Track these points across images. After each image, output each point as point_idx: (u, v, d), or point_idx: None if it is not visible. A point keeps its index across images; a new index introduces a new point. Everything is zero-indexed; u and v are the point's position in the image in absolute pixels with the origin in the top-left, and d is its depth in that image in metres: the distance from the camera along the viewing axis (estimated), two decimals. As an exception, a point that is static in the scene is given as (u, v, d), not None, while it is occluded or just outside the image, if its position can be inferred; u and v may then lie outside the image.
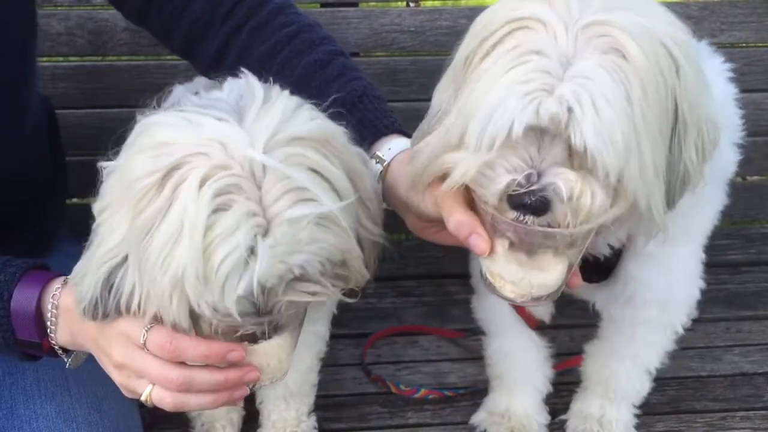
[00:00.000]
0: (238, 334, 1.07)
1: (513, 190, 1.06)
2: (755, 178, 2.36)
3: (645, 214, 1.08)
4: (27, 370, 1.41)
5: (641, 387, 1.65)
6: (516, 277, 1.13)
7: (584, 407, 1.71)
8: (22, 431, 1.36)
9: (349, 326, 1.99)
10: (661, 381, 1.69)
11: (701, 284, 1.49)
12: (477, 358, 1.83)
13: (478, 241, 1.12)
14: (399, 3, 2.20)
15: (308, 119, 1.08)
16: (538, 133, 1.05)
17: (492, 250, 1.12)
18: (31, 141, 1.51)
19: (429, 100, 2.07)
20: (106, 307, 1.07)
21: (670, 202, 1.12)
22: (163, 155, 1.01)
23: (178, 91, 1.50)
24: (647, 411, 1.73)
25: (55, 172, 1.62)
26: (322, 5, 2.08)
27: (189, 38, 1.47)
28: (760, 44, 2.23)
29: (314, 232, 1.01)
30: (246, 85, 1.11)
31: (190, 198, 0.98)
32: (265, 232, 0.99)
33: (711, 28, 2.14)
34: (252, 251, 0.98)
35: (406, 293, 2.17)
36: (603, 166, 1.02)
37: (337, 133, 1.12)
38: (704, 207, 1.38)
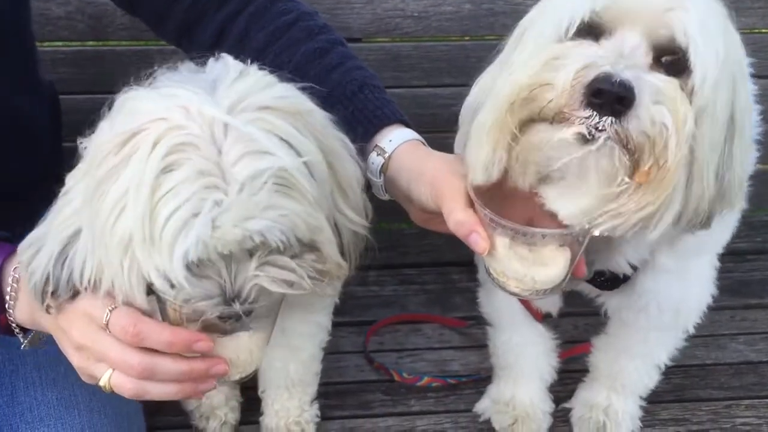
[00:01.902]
0: (202, 319, 1.02)
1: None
2: (760, 166, 2.34)
3: (695, 179, 0.98)
4: (27, 357, 1.39)
5: (650, 381, 1.64)
6: (518, 274, 1.11)
7: (590, 396, 1.70)
8: (24, 418, 1.35)
9: (351, 314, 1.98)
10: (665, 369, 1.67)
11: (714, 290, 1.47)
12: (480, 346, 1.83)
13: (478, 240, 1.10)
14: (402, -12, 2.17)
15: (282, 91, 1.05)
16: (619, 40, 0.98)
17: (493, 248, 1.10)
18: (32, 128, 1.49)
19: (432, 86, 2.09)
20: (57, 283, 1.03)
21: (708, 219, 1.05)
22: (125, 122, 0.99)
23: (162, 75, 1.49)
24: (652, 399, 1.72)
25: (54, 158, 1.60)
26: (325, -10, 2.06)
27: (183, 25, 1.44)
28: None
29: (272, 197, 0.96)
30: (224, 64, 1.08)
31: (141, 158, 0.95)
32: (219, 190, 0.94)
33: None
34: (203, 205, 0.93)
35: (408, 281, 2.16)
36: (702, 67, 0.94)
37: (315, 111, 1.08)
38: (727, 218, 1.34)
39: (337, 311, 1.61)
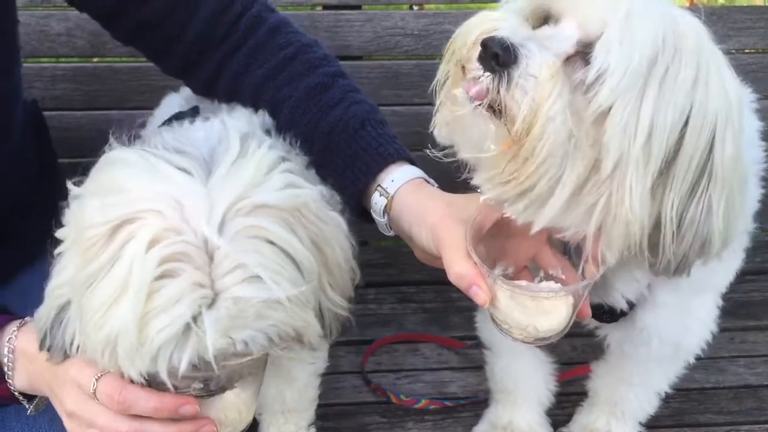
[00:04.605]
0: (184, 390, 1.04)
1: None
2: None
3: (607, 201, 0.99)
4: (17, 383, 1.39)
5: (649, 407, 1.63)
6: (521, 324, 1.10)
7: (589, 421, 1.69)
8: (14, 444, 1.34)
9: (349, 333, 1.94)
10: (664, 393, 1.65)
11: (714, 327, 1.46)
12: (478, 367, 1.81)
13: (479, 293, 1.10)
14: (402, 6, 2.17)
15: (279, 185, 1.02)
16: (558, 28, 1.00)
17: (495, 299, 1.10)
18: (14, 152, 1.48)
19: (432, 104, 2.08)
20: (54, 340, 1.05)
21: (683, 267, 1.05)
22: (116, 204, 0.97)
23: (170, 100, 1.48)
24: (651, 424, 1.70)
25: (44, 177, 1.59)
26: (325, 7, 2.06)
27: (185, 62, 1.43)
28: (768, 50, 2.21)
29: (263, 310, 0.96)
30: (224, 131, 1.06)
31: (136, 260, 0.93)
32: (211, 304, 0.94)
33: (718, 33, 2.10)
34: (195, 320, 0.93)
35: (406, 299, 2.14)
36: (601, 63, 0.94)
37: (310, 200, 1.06)
38: (731, 259, 1.34)
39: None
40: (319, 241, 1.05)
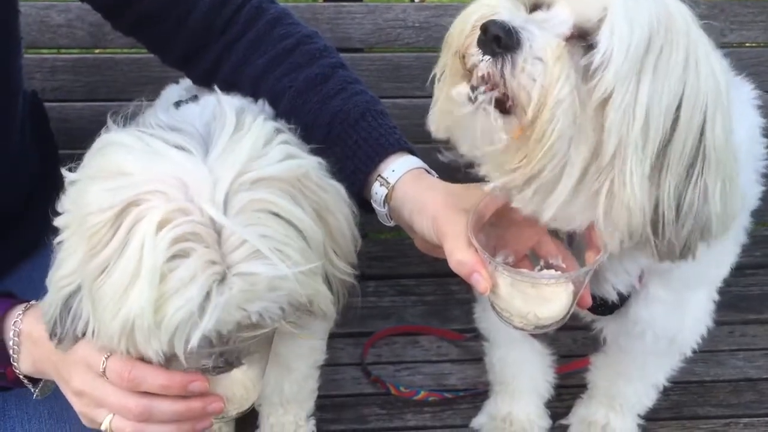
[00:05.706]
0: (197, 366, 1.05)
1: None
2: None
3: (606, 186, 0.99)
4: (19, 371, 1.39)
5: (648, 400, 1.64)
6: (522, 312, 1.10)
7: (588, 414, 1.69)
8: (15, 432, 1.35)
9: (349, 325, 1.95)
10: (663, 386, 1.65)
11: (710, 322, 1.46)
12: (478, 359, 1.81)
13: (480, 280, 1.10)
14: (404, -2, 2.16)
15: (278, 157, 1.03)
16: (551, 13, 1.00)
17: (495, 286, 1.10)
18: (15, 145, 1.48)
19: (432, 96, 2.09)
20: (63, 328, 1.05)
21: (687, 250, 1.05)
22: (119, 188, 0.96)
23: (170, 91, 1.48)
24: (649, 416, 1.71)
25: (45, 169, 1.58)
26: (326, 0, 2.06)
27: (186, 53, 1.43)
28: (770, 44, 2.20)
29: (274, 282, 0.97)
30: (218, 107, 1.05)
31: (146, 243, 0.93)
32: (222, 279, 0.95)
33: (720, 27, 2.11)
34: (209, 296, 0.94)
35: (406, 292, 2.14)
36: (606, 50, 0.93)
37: (310, 169, 1.07)
38: (725, 254, 1.34)
39: (335, 322, 1.59)
40: (321, 210, 1.06)
